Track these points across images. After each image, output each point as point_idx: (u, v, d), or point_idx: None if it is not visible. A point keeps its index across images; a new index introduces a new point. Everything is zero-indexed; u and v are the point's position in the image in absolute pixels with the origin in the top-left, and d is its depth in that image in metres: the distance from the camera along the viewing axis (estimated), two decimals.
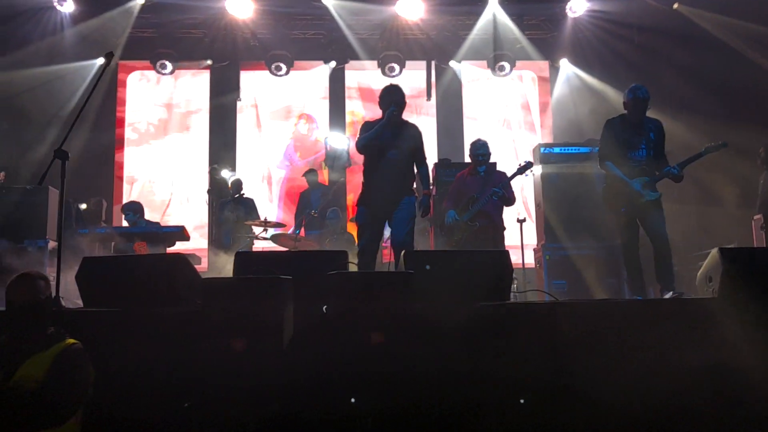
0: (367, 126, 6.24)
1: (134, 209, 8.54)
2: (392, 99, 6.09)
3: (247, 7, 10.48)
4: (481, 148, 7.26)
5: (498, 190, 7.00)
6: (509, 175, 7.19)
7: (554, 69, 11.93)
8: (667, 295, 5.70)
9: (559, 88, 11.88)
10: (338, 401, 3.94)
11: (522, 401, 4.01)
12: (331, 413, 3.93)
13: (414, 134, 6.23)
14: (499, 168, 7.49)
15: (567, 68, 11.66)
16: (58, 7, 10.23)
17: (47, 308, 3.46)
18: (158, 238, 8.02)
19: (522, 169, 7.21)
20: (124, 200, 11.13)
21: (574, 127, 11.14)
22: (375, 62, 11.52)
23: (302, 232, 9.40)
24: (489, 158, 7.32)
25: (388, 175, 6.02)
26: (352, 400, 3.93)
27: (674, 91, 10.60)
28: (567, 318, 4.29)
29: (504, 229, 7.22)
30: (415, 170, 6.28)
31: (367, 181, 6.16)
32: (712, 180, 8.30)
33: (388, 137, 6.05)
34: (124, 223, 8.65)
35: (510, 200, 7.21)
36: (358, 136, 6.25)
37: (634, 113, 6.10)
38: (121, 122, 11.68)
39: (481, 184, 7.15)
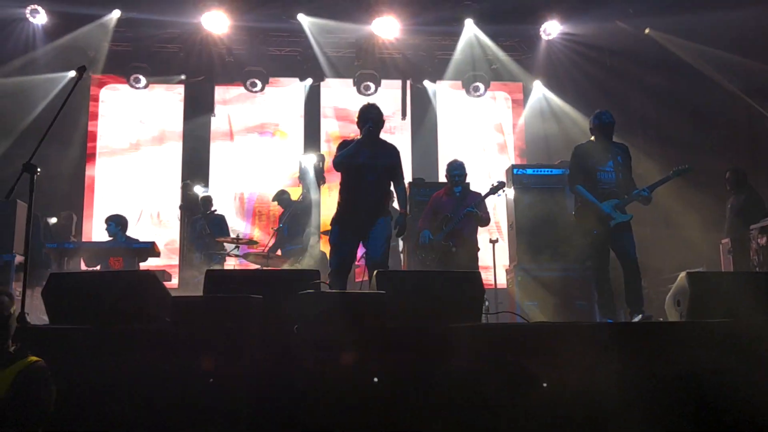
0: (344, 144, 6.21)
1: (117, 221, 8.44)
2: (369, 116, 6.05)
3: (222, 23, 10.46)
4: (457, 169, 7.29)
5: (471, 209, 7.04)
6: (482, 194, 7.23)
7: (528, 91, 12.05)
8: (636, 318, 5.76)
9: (532, 109, 11.99)
10: (309, 421, 3.90)
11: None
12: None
13: (391, 152, 6.19)
14: (472, 188, 7.52)
15: (540, 90, 11.78)
16: (31, 19, 10.12)
17: (10, 325, 3.39)
18: (128, 253, 7.92)
19: (494, 189, 7.29)
20: (94, 215, 11.01)
21: (546, 148, 11.24)
22: (350, 80, 11.56)
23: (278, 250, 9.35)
24: (465, 179, 7.36)
25: (364, 194, 5.97)
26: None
27: (644, 115, 10.79)
28: (536, 340, 4.31)
29: (478, 249, 7.25)
30: (392, 188, 6.28)
31: (343, 200, 6.11)
32: (680, 204, 8.42)
33: (365, 155, 6.00)
34: (100, 237, 8.51)
35: (484, 220, 7.23)
36: (335, 154, 6.19)
37: (600, 138, 6.23)
38: (93, 136, 11.54)
39: (456, 204, 7.17)
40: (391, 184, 6.22)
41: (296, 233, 9.15)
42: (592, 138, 6.33)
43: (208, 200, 9.88)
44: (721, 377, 4.07)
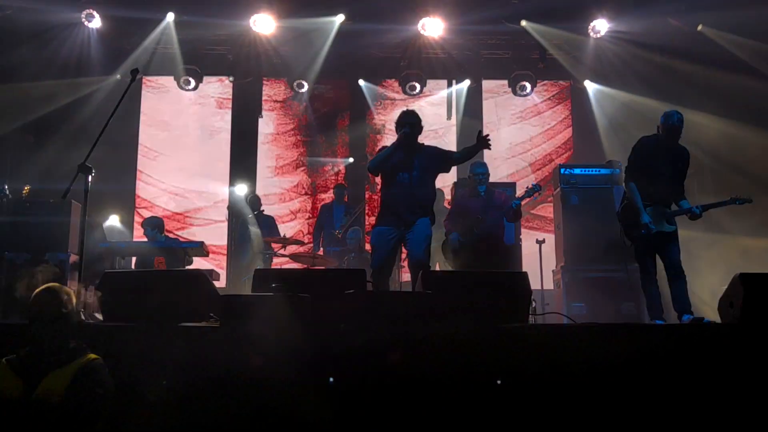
0: (382, 149, 6.32)
1: (153, 224, 8.56)
2: (407, 121, 6.10)
3: (270, 25, 10.56)
4: (480, 167, 7.26)
5: (517, 201, 7.03)
6: (517, 196, 7.17)
7: (576, 90, 11.90)
8: (686, 319, 5.66)
9: (580, 108, 11.83)
10: (356, 418, 3.93)
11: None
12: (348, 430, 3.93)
13: (430, 153, 6.24)
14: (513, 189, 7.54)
15: (588, 89, 11.60)
16: (86, 23, 10.36)
17: (70, 322, 3.48)
18: (178, 253, 8.05)
19: (529, 192, 7.16)
20: (143, 215, 11.23)
21: (594, 148, 11.07)
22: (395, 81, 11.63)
23: (321, 250, 9.43)
24: (488, 178, 7.32)
25: (402, 197, 6.02)
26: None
27: (692, 119, 10.51)
28: (585, 341, 4.27)
29: (520, 249, 7.23)
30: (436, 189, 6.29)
31: (383, 202, 6.22)
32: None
33: (399, 157, 6.07)
34: (144, 238, 8.68)
35: (518, 215, 7.23)
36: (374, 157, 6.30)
37: (666, 138, 6.10)
38: (143, 137, 11.76)
39: (482, 204, 7.13)
40: (434, 185, 6.25)
41: (346, 236, 9.23)
42: (658, 134, 6.19)
43: (256, 200, 10.00)
44: None
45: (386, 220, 6.06)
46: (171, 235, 9.59)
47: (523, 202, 7.21)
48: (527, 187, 7.24)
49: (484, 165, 7.37)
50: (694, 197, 6.11)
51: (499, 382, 4.00)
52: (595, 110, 11.36)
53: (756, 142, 9.37)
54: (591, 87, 11.49)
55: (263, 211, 9.98)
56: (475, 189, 7.23)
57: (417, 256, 5.93)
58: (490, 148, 6.18)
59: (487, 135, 6.09)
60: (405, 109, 6.37)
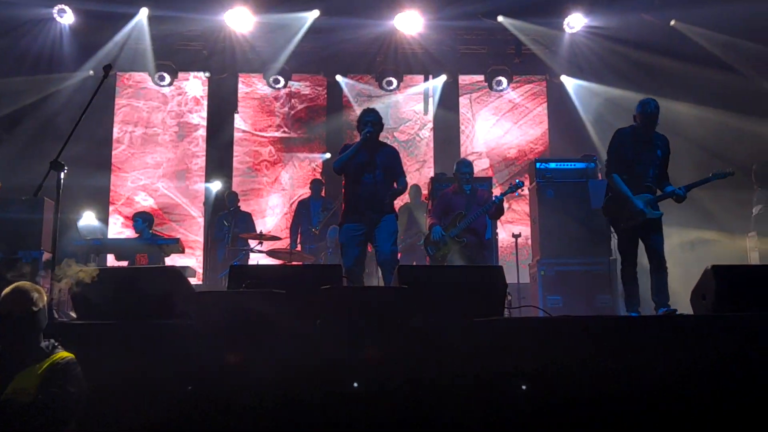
0: (344, 148, 6.40)
1: (144, 218, 8.57)
2: (368, 120, 6.25)
3: (245, 20, 10.50)
4: (466, 167, 7.42)
5: (489, 207, 7.18)
6: (499, 194, 7.29)
7: (551, 85, 11.97)
8: (661, 312, 5.72)
9: (554, 103, 11.91)
10: (331, 416, 3.93)
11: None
12: (325, 427, 3.93)
13: (390, 153, 6.41)
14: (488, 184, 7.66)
15: (568, 83, 11.65)
16: (58, 19, 10.23)
17: (41, 320, 3.45)
18: (154, 249, 8.00)
19: (512, 188, 7.44)
20: (122, 212, 11.14)
21: (569, 142, 11.13)
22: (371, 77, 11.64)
23: (298, 246, 9.40)
24: (473, 176, 7.48)
25: (365, 193, 6.15)
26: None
27: (669, 108, 10.64)
28: (560, 334, 4.30)
29: (496, 244, 7.34)
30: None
31: (347, 201, 6.31)
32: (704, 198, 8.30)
33: (363, 156, 6.19)
34: (126, 233, 8.61)
35: (500, 211, 7.40)
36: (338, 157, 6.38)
37: (643, 127, 6.07)
38: (119, 133, 11.65)
39: (467, 200, 7.29)
40: (394, 183, 6.33)
41: (326, 234, 9.21)
42: (635, 124, 6.17)
43: (233, 196, 9.95)
44: (747, 371, 4.04)
45: (351, 218, 6.18)
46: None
47: (506, 199, 7.36)
48: (510, 184, 7.48)
49: (470, 164, 7.52)
50: (677, 184, 6.08)
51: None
52: (577, 105, 11.43)
53: (733, 126, 9.51)
54: (569, 82, 11.56)
55: (240, 207, 9.93)
56: (461, 187, 7.37)
57: (385, 252, 6.09)
58: None
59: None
60: (366, 107, 6.51)
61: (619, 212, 6.06)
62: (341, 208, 6.45)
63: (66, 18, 10.24)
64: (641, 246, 6.10)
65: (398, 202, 9.99)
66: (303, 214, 9.73)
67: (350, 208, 6.24)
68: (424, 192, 9.75)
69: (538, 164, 8.35)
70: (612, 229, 6.38)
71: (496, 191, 8.48)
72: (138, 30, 10.57)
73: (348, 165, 6.21)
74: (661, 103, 6.08)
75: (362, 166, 6.18)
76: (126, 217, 11.07)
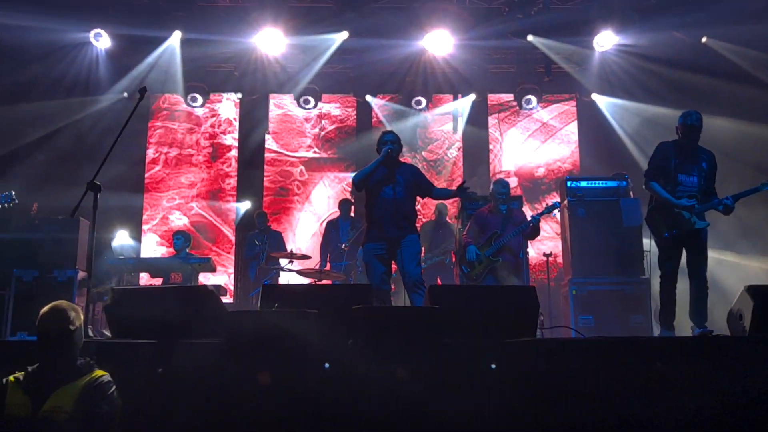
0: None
1: (186, 237, 8.79)
2: (388, 139, 6.30)
3: (276, 41, 10.62)
4: (503, 188, 7.43)
5: (524, 227, 7.18)
6: (536, 214, 7.27)
7: (582, 103, 11.92)
8: (696, 333, 5.62)
9: (586, 122, 11.85)
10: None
11: None
12: None
13: (411, 170, 6.47)
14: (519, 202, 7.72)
15: (595, 102, 11.61)
16: (94, 43, 10.44)
17: (78, 339, 3.49)
18: (185, 269, 8.09)
19: (548, 209, 7.49)
20: (146, 230, 11.28)
21: (600, 161, 11.06)
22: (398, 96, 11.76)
23: (327, 265, 9.42)
24: (510, 197, 7.51)
25: (386, 211, 6.14)
26: None
27: (707, 123, 10.51)
28: (594, 355, 4.26)
29: (527, 263, 7.32)
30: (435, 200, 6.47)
31: (368, 219, 6.32)
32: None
33: (382, 173, 6.22)
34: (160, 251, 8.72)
35: (536, 232, 7.35)
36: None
37: (686, 139, 5.90)
38: (152, 154, 11.85)
39: (502, 221, 7.31)
40: (417, 202, 6.39)
41: (357, 251, 9.22)
42: (678, 138, 6.00)
43: (263, 216, 10.04)
44: None
45: (373, 236, 6.18)
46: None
47: (542, 219, 7.35)
48: (546, 204, 7.58)
49: (507, 185, 7.54)
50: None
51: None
52: (612, 122, 11.35)
53: None
54: (602, 100, 11.51)
55: (270, 226, 10.01)
56: (497, 207, 7.39)
57: (410, 272, 6.08)
58: (468, 198, 6.24)
59: (467, 186, 6.29)
60: (385, 129, 6.55)
61: (664, 220, 5.87)
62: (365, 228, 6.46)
63: (102, 42, 10.42)
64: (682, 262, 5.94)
65: (423, 219, 10.03)
66: (332, 234, 9.75)
67: (371, 225, 6.24)
68: (452, 210, 9.75)
69: (569, 183, 8.28)
70: (653, 241, 6.19)
71: (525, 210, 8.44)
72: (169, 53, 10.74)
73: (367, 181, 6.22)
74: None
75: (381, 182, 6.18)
76: (161, 236, 11.24)
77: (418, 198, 6.67)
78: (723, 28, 9.82)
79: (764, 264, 8.66)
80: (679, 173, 5.91)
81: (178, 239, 8.73)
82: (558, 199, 7.63)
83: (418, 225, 6.75)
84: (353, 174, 11.37)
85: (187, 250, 8.71)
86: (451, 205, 9.81)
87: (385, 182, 6.17)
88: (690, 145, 5.92)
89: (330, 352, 4.03)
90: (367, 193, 6.33)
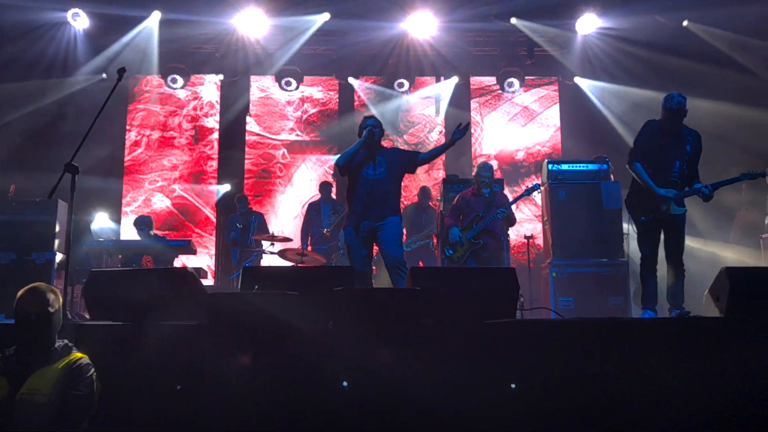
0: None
1: (144, 222, 8.55)
2: (369, 123, 6.25)
3: (257, 22, 10.53)
4: (487, 171, 7.50)
5: (504, 210, 7.26)
6: (515, 196, 7.33)
7: (563, 86, 11.94)
8: (674, 314, 5.68)
9: (567, 105, 11.88)
10: (345, 416, 3.93)
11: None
12: (335, 428, 3.93)
13: (393, 152, 6.43)
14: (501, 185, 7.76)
15: (576, 85, 11.64)
16: (72, 23, 10.30)
17: (56, 321, 3.47)
18: (166, 252, 8.04)
19: (528, 192, 7.60)
20: (132, 213, 11.20)
21: (581, 144, 11.10)
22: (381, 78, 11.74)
23: (309, 247, 9.41)
24: (493, 180, 7.60)
25: (369, 195, 6.11)
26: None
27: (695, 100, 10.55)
28: (572, 336, 4.29)
29: (508, 246, 7.38)
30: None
31: (350, 202, 6.30)
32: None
33: (365, 156, 6.18)
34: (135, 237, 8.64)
35: (512, 220, 7.57)
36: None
37: (669, 121, 5.89)
38: (135, 136, 11.75)
39: (485, 204, 7.37)
40: (400, 183, 6.32)
41: (338, 235, 9.21)
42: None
43: (243, 199, 10.00)
44: (761, 375, 4.01)
45: (355, 218, 6.14)
46: (160, 234, 9.56)
47: (521, 201, 7.42)
48: (526, 187, 7.65)
49: (491, 168, 7.62)
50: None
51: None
52: (599, 105, 11.38)
53: (755, 120, 9.48)
54: (585, 83, 11.53)
55: (252, 209, 9.97)
56: (479, 190, 7.47)
57: (392, 254, 6.03)
58: (463, 135, 6.18)
59: (463, 125, 6.15)
60: (365, 114, 6.54)
61: (641, 204, 5.92)
62: (347, 211, 6.44)
63: (80, 22, 10.29)
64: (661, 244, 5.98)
65: (405, 202, 10.02)
66: (313, 217, 9.74)
67: (353, 210, 6.21)
68: (434, 194, 9.75)
69: (550, 165, 8.29)
70: (632, 225, 6.23)
71: (506, 193, 8.46)
72: (147, 33, 10.64)
73: (350, 161, 6.17)
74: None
75: (363, 164, 6.15)
76: None
77: (404, 179, 6.60)
78: (703, 11, 9.86)
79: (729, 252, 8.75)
80: (662, 157, 5.91)
81: (141, 227, 8.41)
82: (538, 182, 7.64)
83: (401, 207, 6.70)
84: (336, 156, 11.55)
85: (152, 233, 8.54)
86: (434, 189, 9.82)
87: (367, 164, 6.14)
88: (674, 128, 5.92)
89: (310, 334, 4.04)
90: (349, 178, 6.31)
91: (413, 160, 6.37)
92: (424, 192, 9.80)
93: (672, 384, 4.05)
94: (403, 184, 6.43)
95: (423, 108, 12.00)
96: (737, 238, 8.89)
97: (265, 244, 9.02)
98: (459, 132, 6.10)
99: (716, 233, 8.96)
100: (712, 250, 8.75)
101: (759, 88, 9.74)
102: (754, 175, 5.88)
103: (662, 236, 5.97)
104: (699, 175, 5.99)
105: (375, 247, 6.32)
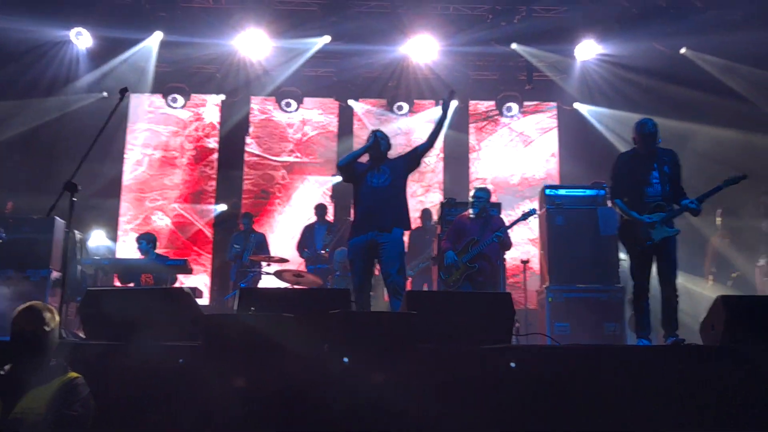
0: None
1: (148, 239, 8.53)
2: (377, 133, 6.20)
3: (258, 44, 10.60)
4: (482, 193, 7.51)
5: (500, 234, 7.22)
6: (512, 221, 7.32)
7: (562, 111, 12.01)
8: (670, 341, 5.66)
9: (566, 130, 11.94)
10: None
11: None
12: None
13: (396, 159, 6.27)
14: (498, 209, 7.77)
15: (574, 111, 11.71)
16: (75, 42, 10.35)
17: (52, 340, 3.46)
18: (162, 270, 8.03)
19: (524, 216, 7.48)
20: (125, 230, 11.21)
21: (578, 169, 11.14)
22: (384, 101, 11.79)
23: (304, 267, 9.41)
24: (489, 204, 7.56)
25: (372, 201, 6.02)
26: None
27: (682, 134, 10.64)
28: (568, 362, 4.29)
29: (504, 270, 7.34)
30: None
31: (355, 211, 6.23)
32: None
33: (370, 165, 6.13)
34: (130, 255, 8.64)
35: (508, 245, 7.43)
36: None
37: (645, 147, 5.95)
38: (137, 155, 11.80)
39: (480, 227, 7.34)
40: (405, 191, 6.22)
41: (333, 255, 9.21)
42: (635, 147, 6.06)
43: (249, 216, 10.00)
44: (756, 404, 4.01)
45: (359, 229, 6.04)
46: (161, 252, 9.55)
47: (517, 225, 7.45)
48: (523, 212, 7.54)
49: (487, 191, 7.62)
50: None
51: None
52: (601, 130, 11.43)
53: (752, 144, 9.51)
54: (584, 108, 11.60)
55: (254, 228, 9.98)
56: (477, 213, 7.43)
57: (392, 276, 5.91)
58: (450, 100, 6.17)
59: (449, 93, 6.18)
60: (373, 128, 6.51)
61: (633, 236, 5.92)
62: (349, 229, 6.37)
63: (83, 41, 10.33)
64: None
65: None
66: (308, 238, 9.75)
67: (358, 219, 6.13)
68: (435, 217, 9.78)
69: (547, 191, 8.31)
70: (627, 253, 6.26)
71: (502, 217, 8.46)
72: (145, 52, 10.69)
73: (352, 164, 6.14)
74: (677, 126, 5.92)
75: (367, 172, 6.09)
76: None
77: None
78: (701, 39, 9.95)
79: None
80: (643, 185, 5.93)
81: (141, 242, 8.43)
82: (533, 207, 7.64)
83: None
84: (332, 178, 11.60)
85: (155, 252, 8.53)
86: (435, 211, 9.85)
87: (371, 172, 6.07)
88: (649, 150, 5.96)
89: (306, 356, 4.03)
90: (354, 187, 6.21)
91: (414, 155, 6.28)
92: (426, 214, 9.84)
93: (664, 411, 4.05)
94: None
95: (420, 133, 12.03)
96: (709, 269, 8.91)
97: (263, 264, 9.02)
98: (446, 103, 6.12)
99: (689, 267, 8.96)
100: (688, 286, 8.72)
101: (754, 114, 9.79)
102: (736, 179, 5.86)
103: (654, 264, 5.98)
104: (685, 192, 5.98)
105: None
